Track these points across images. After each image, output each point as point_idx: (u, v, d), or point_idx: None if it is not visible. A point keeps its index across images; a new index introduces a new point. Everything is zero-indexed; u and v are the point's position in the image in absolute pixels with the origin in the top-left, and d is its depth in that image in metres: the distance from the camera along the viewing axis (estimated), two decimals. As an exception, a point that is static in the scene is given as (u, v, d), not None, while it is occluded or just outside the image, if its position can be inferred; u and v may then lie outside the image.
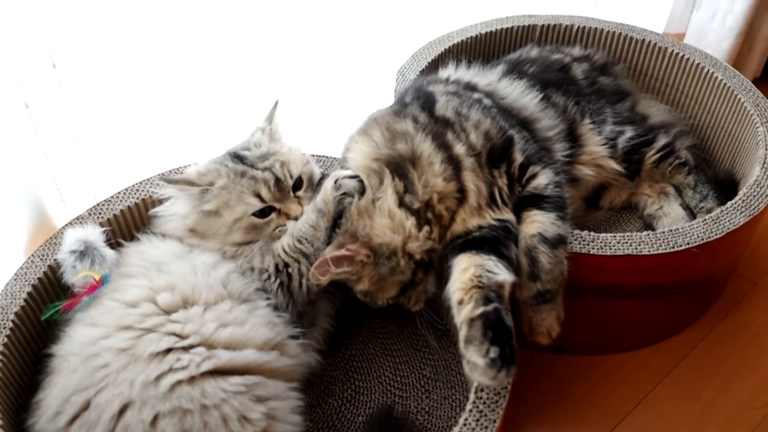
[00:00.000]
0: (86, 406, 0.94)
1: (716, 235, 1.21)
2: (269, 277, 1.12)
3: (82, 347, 0.99)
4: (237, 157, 1.18)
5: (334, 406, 1.22)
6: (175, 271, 1.07)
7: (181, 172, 1.23)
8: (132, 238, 1.23)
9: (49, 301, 1.15)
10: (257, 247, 1.14)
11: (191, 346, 0.98)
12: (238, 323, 1.03)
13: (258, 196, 1.13)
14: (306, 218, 1.13)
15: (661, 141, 1.45)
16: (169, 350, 0.97)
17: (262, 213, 1.14)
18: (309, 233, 1.11)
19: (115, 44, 1.42)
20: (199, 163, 1.22)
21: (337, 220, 1.11)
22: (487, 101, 1.25)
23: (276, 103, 1.28)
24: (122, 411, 0.93)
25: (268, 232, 1.15)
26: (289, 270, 1.12)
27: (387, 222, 1.08)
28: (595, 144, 1.41)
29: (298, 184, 1.19)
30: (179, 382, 0.94)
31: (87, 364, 0.97)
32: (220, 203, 1.13)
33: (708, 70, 1.54)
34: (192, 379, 0.95)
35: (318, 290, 1.16)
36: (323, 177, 1.24)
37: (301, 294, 1.13)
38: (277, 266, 1.13)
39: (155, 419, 0.92)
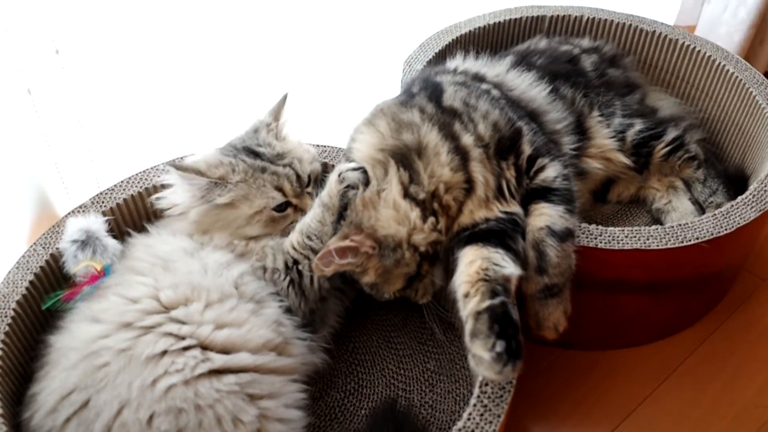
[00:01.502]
0: (85, 405, 0.94)
1: (726, 230, 1.19)
2: (279, 275, 1.11)
3: (83, 344, 0.98)
4: (252, 152, 1.17)
5: (337, 399, 1.21)
6: (182, 270, 1.06)
7: (183, 160, 1.22)
8: (136, 227, 1.21)
9: (51, 289, 1.14)
10: (269, 246, 1.13)
11: (187, 348, 0.97)
12: (236, 325, 1.02)
13: (280, 190, 1.14)
14: (312, 213, 1.12)
15: (671, 134, 1.43)
16: (165, 352, 0.96)
17: (280, 207, 1.15)
18: (317, 228, 1.10)
19: (119, 30, 1.41)
20: (203, 152, 1.20)
21: (342, 213, 1.09)
22: (495, 92, 1.23)
23: (285, 96, 1.26)
24: (119, 411, 0.93)
25: (284, 226, 1.16)
26: (299, 267, 1.12)
27: (392, 213, 1.06)
28: (603, 137, 1.39)
29: (308, 181, 1.20)
30: (174, 385, 0.94)
31: (87, 363, 0.96)
32: (238, 196, 1.13)
33: (719, 63, 1.52)
34: (186, 382, 0.94)
35: (329, 286, 1.15)
36: (327, 170, 1.23)
37: (313, 291, 1.13)
38: (286, 263, 1.12)
39: (151, 418, 0.92)
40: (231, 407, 0.94)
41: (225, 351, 0.99)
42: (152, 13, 1.45)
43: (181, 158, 1.27)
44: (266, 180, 1.14)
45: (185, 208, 1.15)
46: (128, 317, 1.00)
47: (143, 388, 0.93)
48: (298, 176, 1.17)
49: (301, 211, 1.16)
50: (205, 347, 0.99)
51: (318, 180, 1.23)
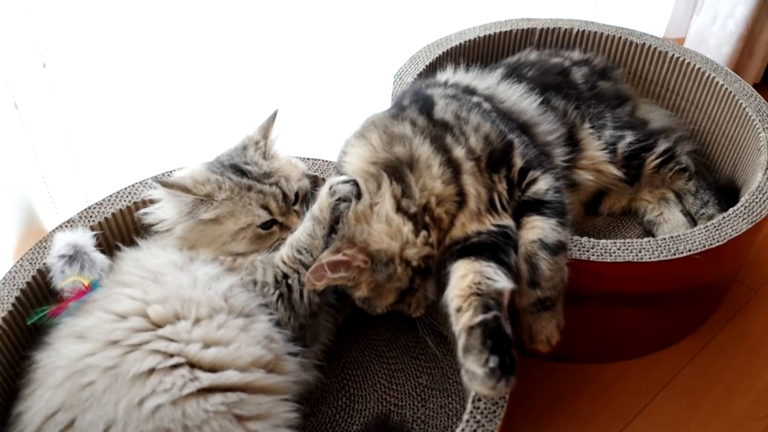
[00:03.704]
0: (70, 426, 0.92)
1: (718, 242, 1.19)
2: (269, 289, 1.10)
3: (69, 362, 0.96)
4: (239, 170, 1.16)
5: (328, 415, 1.19)
6: (171, 283, 1.05)
7: (170, 175, 1.21)
8: (124, 242, 1.20)
9: (38, 306, 1.12)
10: (259, 260, 1.12)
11: (175, 366, 0.96)
12: (223, 343, 1.00)
13: (266, 208, 1.14)
14: (303, 228, 1.11)
15: (662, 146, 1.44)
16: (152, 370, 0.95)
17: (265, 225, 1.14)
18: (307, 242, 1.10)
19: (108, 44, 1.40)
20: (190, 167, 1.19)
21: (333, 226, 1.09)
22: (486, 105, 1.23)
23: (274, 113, 1.25)
24: (105, 431, 0.91)
25: (269, 244, 1.15)
26: (289, 281, 1.10)
27: (384, 228, 1.05)
28: (594, 149, 1.39)
29: (294, 199, 1.19)
30: (161, 405, 0.92)
31: (73, 382, 0.94)
32: (224, 212, 1.12)
33: (709, 75, 1.53)
34: (174, 402, 0.93)
35: (319, 301, 1.14)
36: (317, 183, 1.22)
37: (303, 305, 1.11)
38: (276, 277, 1.11)
39: None
40: (218, 428, 0.92)
41: (213, 369, 0.98)
42: (140, 26, 1.44)
43: (169, 173, 1.26)
44: (252, 198, 1.13)
45: (172, 224, 1.14)
46: (115, 335, 0.98)
47: (130, 408, 0.91)
48: (285, 195, 1.16)
49: (287, 228, 1.16)
50: (193, 365, 0.97)
51: (306, 197, 1.22)
